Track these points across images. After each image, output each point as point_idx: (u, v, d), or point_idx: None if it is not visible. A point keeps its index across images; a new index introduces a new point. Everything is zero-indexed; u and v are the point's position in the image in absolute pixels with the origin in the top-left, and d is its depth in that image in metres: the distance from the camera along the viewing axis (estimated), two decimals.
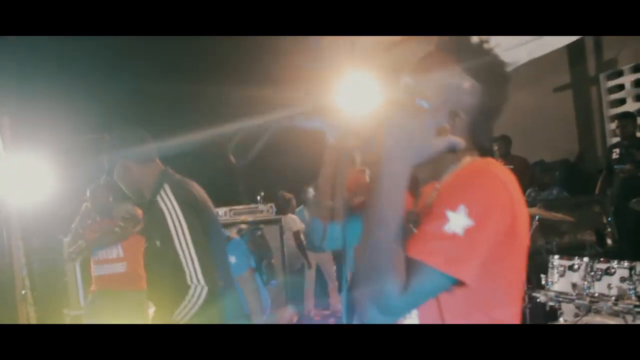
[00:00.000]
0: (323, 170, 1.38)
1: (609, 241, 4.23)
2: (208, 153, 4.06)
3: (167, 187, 2.31)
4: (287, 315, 5.61)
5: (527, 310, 3.97)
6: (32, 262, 4.64)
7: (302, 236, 6.06)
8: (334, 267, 6.54)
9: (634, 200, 4.48)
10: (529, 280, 3.98)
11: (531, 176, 6.17)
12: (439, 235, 1.01)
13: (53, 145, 4.80)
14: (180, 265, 2.23)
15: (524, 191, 5.95)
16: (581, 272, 3.40)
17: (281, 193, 6.53)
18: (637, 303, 3.00)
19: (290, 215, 6.29)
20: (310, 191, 1.41)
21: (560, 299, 3.45)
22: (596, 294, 3.24)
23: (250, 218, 5.69)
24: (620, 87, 6.17)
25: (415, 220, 1.18)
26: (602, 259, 3.33)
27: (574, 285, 3.43)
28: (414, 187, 1.26)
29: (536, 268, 4.15)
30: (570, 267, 3.47)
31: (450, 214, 1.02)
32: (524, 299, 3.95)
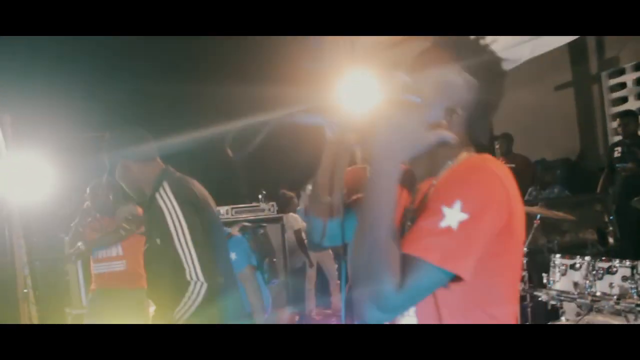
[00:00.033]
0: (321, 166, 1.38)
1: (611, 240, 4.23)
2: (209, 152, 4.06)
3: (166, 185, 2.32)
4: (285, 317, 5.61)
5: (529, 309, 3.97)
6: (34, 260, 4.64)
7: (303, 235, 6.06)
8: (335, 266, 6.55)
9: (635, 198, 4.47)
10: (531, 279, 3.98)
11: (532, 174, 6.17)
12: (435, 231, 1.01)
13: (55, 143, 4.81)
14: (180, 263, 2.24)
15: (525, 190, 5.95)
16: (583, 271, 3.40)
17: (282, 192, 6.53)
18: (638, 302, 3.00)
19: (291, 214, 6.29)
20: (309, 187, 1.41)
21: (562, 298, 3.44)
22: (598, 293, 3.23)
23: (251, 216, 5.69)
24: (622, 85, 6.16)
25: (412, 217, 1.18)
26: (603, 258, 3.33)
27: (575, 284, 3.42)
28: (411, 183, 1.26)
29: (538, 267, 4.15)
30: (572, 266, 3.47)
31: (446, 210, 1.02)
32: (526, 298, 3.94)
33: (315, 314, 6.55)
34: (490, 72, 1.16)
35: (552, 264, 3.63)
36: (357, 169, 2.47)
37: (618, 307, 3.08)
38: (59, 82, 5.55)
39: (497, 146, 6.54)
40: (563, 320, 3.34)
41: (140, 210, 3.68)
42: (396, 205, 1.06)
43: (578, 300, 3.33)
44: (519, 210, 1.09)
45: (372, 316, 1.02)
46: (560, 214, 3.89)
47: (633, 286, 3.08)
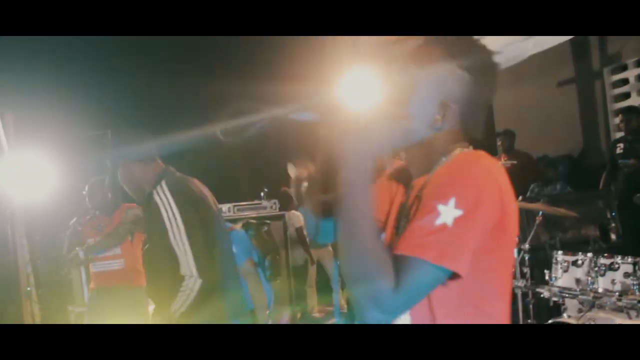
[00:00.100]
0: (316, 164, 1.38)
1: (613, 236, 4.22)
2: (211, 150, 4.06)
3: (164, 183, 2.36)
4: (287, 315, 5.61)
5: (531, 306, 3.97)
6: (37, 259, 4.65)
7: (304, 232, 6.06)
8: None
9: (637, 195, 4.47)
10: (533, 275, 3.98)
11: (534, 171, 6.16)
12: (431, 229, 1.01)
13: (57, 142, 4.81)
14: (176, 259, 2.26)
15: (528, 186, 5.95)
16: (585, 267, 3.39)
17: (284, 189, 6.53)
18: None
19: (293, 212, 6.29)
20: (304, 184, 1.41)
21: (564, 295, 3.44)
22: (600, 290, 3.23)
23: (253, 214, 5.70)
24: (625, 81, 6.14)
25: (406, 214, 1.18)
26: (606, 254, 3.32)
27: (577, 281, 3.42)
28: (407, 180, 1.26)
29: (540, 263, 4.14)
30: (574, 263, 3.47)
31: (441, 207, 1.01)
32: (528, 294, 3.94)
33: (316, 311, 6.56)
34: (482, 66, 1.16)
35: (554, 261, 3.63)
36: None
37: (620, 303, 3.07)
38: (60, 80, 5.55)
39: (499, 143, 6.54)
40: (565, 317, 3.34)
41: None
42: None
43: (580, 296, 3.33)
44: (512, 206, 1.08)
45: (373, 317, 1.02)
46: (562, 211, 3.89)
47: (635, 282, 3.08)
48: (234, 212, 5.77)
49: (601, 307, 3.19)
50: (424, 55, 1.15)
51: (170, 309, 2.26)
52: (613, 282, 3.20)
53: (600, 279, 3.26)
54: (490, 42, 1.23)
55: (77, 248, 3.88)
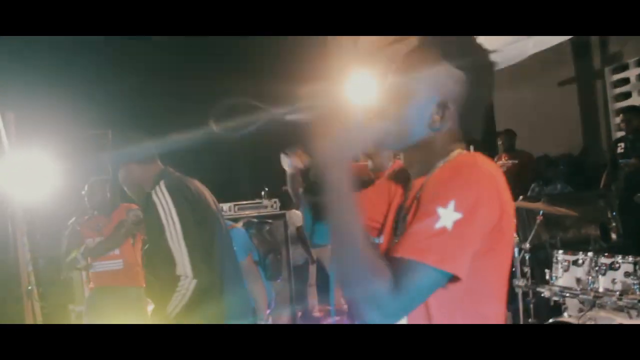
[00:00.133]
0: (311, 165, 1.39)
1: (614, 236, 4.21)
2: (212, 150, 4.06)
3: (162, 183, 2.37)
4: (287, 314, 5.62)
5: (531, 305, 3.97)
6: (37, 258, 4.66)
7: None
8: None
9: (638, 194, 4.47)
10: (533, 275, 3.98)
11: (535, 170, 6.16)
12: (431, 232, 1.01)
13: (58, 141, 4.81)
14: (173, 260, 2.28)
15: (528, 186, 5.95)
16: (585, 266, 3.39)
17: (285, 188, 6.52)
18: None
19: (294, 211, 6.29)
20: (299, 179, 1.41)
21: (565, 294, 3.44)
22: (600, 289, 3.23)
23: (254, 213, 5.70)
24: (626, 80, 6.14)
25: (404, 215, 1.18)
26: (606, 254, 3.32)
27: (578, 280, 3.42)
28: (405, 181, 1.26)
29: (540, 263, 4.14)
30: (575, 262, 3.47)
31: (441, 211, 1.01)
32: (528, 294, 3.94)
33: (317, 310, 6.56)
34: (478, 65, 1.16)
35: (554, 260, 3.63)
36: (355, 164, 2.47)
37: (621, 303, 3.08)
38: (61, 80, 5.55)
39: (499, 142, 6.54)
40: (566, 317, 3.34)
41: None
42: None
43: (581, 296, 3.33)
44: (510, 208, 1.09)
45: (373, 320, 1.02)
46: (562, 210, 3.89)
47: (636, 282, 3.08)
48: (234, 211, 5.77)
49: (602, 306, 3.19)
50: (420, 57, 1.15)
51: (166, 309, 2.27)
52: (614, 281, 3.20)
53: (600, 278, 3.26)
54: (491, 41, 1.23)
55: (75, 252, 3.87)
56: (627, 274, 3.15)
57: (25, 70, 5.34)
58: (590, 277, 3.30)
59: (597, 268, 3.29)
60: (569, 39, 6.04)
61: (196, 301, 2.26)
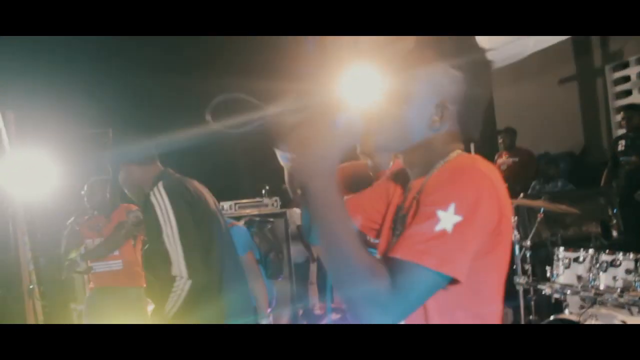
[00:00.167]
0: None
1: (615, 233, 4.21)
2: (211, 148, 4.06)
3: (160, 184, 2.39)
4: (287, 313, 5.62)
5: (532, 303, 3.97)
6: (38, 257, 4.66)
7: None
8: None
9: (639, 192, 4.47)
10: (534, 272, 3.98)
11: (536, 168, 6.16)
12: (431, 235, 1.00)
13: (58, 140, 4.82)
14: (169, 260, 2.29)
15: (529, 183, 5.95)
16: (586, 264, 3.40)
17: (285, 186, 6.51)
18: None
19: (294, 209, 6.29)
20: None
21: (566, 291, 3.45)
22: (601, 286, 3.23)
23: (255, 212, 5.70)
24: (626, 78, 6.13)
25: (403, 215, 1.18)
26: (607, 251, 3.33)
27: (579, 278, 3.43)
28: (404, 181, 1.26)
29: (541, 260, 4.15)
30: (576, 259, 3.47)
31: (441, 213, 1.01)
32: (529, 291, 3.95)
33: (318, 308, 6.57)
34: (475, 65, 1.16)
35: (555, 257, 3.63)
36: (354, 164, 2.47)
37: (622, 300, 3.08)
38: (61, 79, 5.56)
39: (500, 140, 6.54)
40: (566, 314, 3.34)
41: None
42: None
43: (582, 293, 3.33)
44: (508, 211, 1.09)
45: (375, 321, 1.02)
46: (563, 207, 3.89)
47: (637, 279, 3.08)
48: (235, 210, 5.78)
49: (603, 303, 3.19)
50: (418, 57, 1.15)
51: (164, 309, 2.29)
52: (614, 278, 3.20)
53: (601, 275, 3.26)
54: (490, 39, 1.23)
55: (74, 252, 3.87)
56: (628, 271, 3.15)
57: (25, 69, 5.34)
58: (591, 275, 3.31)
59: (598, 265, 3.29)
60: (570, 37, 6.04)
61: (193, 301, 2.27)
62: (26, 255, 4.21)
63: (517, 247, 3.94)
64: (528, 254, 3.92)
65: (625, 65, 6.12)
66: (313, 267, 6.47)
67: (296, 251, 6.23)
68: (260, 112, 1.09)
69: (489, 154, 6.53)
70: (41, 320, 4.15)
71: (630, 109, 5.46)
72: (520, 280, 3.86)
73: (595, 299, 3.21)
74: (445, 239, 1.00)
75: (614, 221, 4.27)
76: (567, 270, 3.51)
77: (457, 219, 1.00)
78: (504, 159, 6.45)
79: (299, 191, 1.38)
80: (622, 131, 5.72)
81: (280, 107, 1.08)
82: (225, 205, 5.68)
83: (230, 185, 6.39)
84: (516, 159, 6.34)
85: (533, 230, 3.95)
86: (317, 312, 6.47)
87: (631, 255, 3.18)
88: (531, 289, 3.90)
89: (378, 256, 1.25)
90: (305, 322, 5.70)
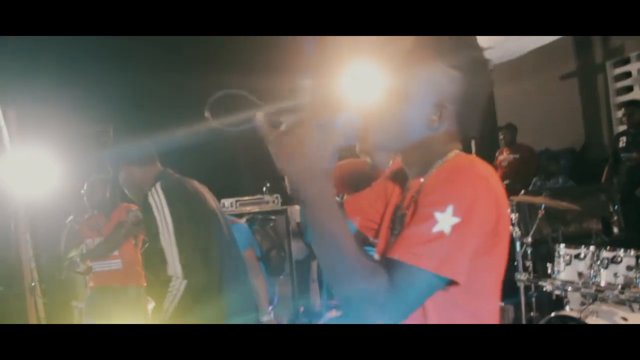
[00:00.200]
0: None
1: (616, 230, 4.22)
2: (212, 146, 4.06)
3: (158, 184, 2.40)
4: (287, 315, 5.62)
5: (533, 299, 3.97)
6: (40, 254, 4.66)
7: None
8: None
9: None
10: (535, 269, 3.98)
11: (537, 165, 6.16)
12: (429, 237, 1.01)
13: (60, 138, 4.82)
14: (166, 260, 2.31)
15: (530, 180, 5.95)
16: (587, 260, 3.40)
17: (284, 184, 6.50)
18: None
19: (296, 206, 6.29)
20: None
21: (567, 288, 3.45)
22: (602, 283, 3.23)
23: (256, 209, 5.70)
24: (627, 74, 6.13)
25: (401, 215, 1.18)
26: (608, 248, 3.33)
27: (580, 274, 3.43)
28: (403, 181, 1.26)
29: (542, 257, 4.15)
30: (577, 256, 3.47)
31: (438, 215, 1.01)
32: (530, 287, 3.95)
33: (319, 305, 6.57)
34: (474, 64, 1.15)
35: (556, 254, 3.63)
36: (354, 161, 2.47)
37: (622, 296, 3.08)
38: (62, 77, 5.55)
39: (501, 137, 6.53)
40: (567, 310, 3.34)
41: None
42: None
43: (583, 290, 3.33)
44: (506, 210, 1.09)
45: (374, 320, 1.02)
46: (564, 204, 3.89)
47: (638, 276, 3.08)
48: (236, 207, 5.78)
49: (604, 300, 3.20)
50: (416, 57, 1.15)
51: (163, 310, 2.31)
52: (615, 275, 3.20)
53: (602, 272, 3.27)
54: (491, 37, 1.22)
55: (74, 251, 3.87)
56: (629, 268, 3.16)
57: (26, 67, 5.34)
58: (592, 271, 3.31)
59: (599, 262, 3.29)
60: None
61: (190, 301, 2.29)
62: (28, 252, 4.21)
63: (518, 244, 3.94)
64: (529, 251, 3.92)
65: (626, 61, 6.11)
66: (314, 265, 6.48)
67: (297, 248, 6.23)
68: (257, 108, 1.09)
69: (490, 150, 6.53)
70: (43, 318, 4.16)
71: (631, 105, 5.46)
72: (521, 277, 3.86)
73: (596, 295, 3.21)
74: (443, 241, 1.00)
75: (615, 218, 4.28)
76: (568, 266, 3.51)
77: (455, 220, 1.00)
78: (504, 155, 6.44)
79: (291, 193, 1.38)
80: (623, 127, 5.72)
81: (270, 112, 1.07)
82: (226, 202, 5.68)
83: (231, 182, 6.39)
84: (517, 156, 6.34)
85: (534, 227, 3.95)
86: (318, 308, 6.48)
87: (632, 252, 3.18)
88: (532, 286, 3.90)
89: (376, 256, 1.25)
90: (306, 319, 5.69)
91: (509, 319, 4.50)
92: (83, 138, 5.51)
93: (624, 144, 5.33)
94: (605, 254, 3.28)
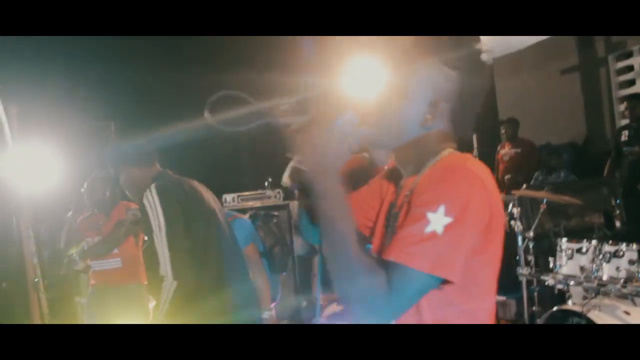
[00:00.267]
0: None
1: (618, 224, 4.22)
2: (213, 141, 4.06)
3: (153, 185, 2.42)
4: (287, 313, 5.64)
5: (535, 294, 3.98)
6: (43, 250, 4.68)
7: None
8: None
9: None
10: (537, 263, 3.98)
11: (538, 159, 6.15)
12: (421, 237, 1.01)
13: (61, 134, 4.82)
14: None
15: (532, 174, 5.94)
16: (589, 254, 3.40)
17: (284, 181, 6.49)
18: None
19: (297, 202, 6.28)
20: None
21: (569, 282, 3.45)
22: (604, 277, 3.23)
23: (258, 204, 5.70)
24: (630, 68, 6.11)
25: (395, 214, 1.18)
26: (610, 242, 3.32)
27: (582, 268, 3.43)
28: (397, 179, 1.26)
29: (544, 251, 4.15)
30: (579, 250, 3.47)
31: (430, 215, 1.02)
32: (533, 282, 3.95)
33: (321, 300, 6.58)
34: (470, 63, 1.16)
35: (558, 248, 3.63)
36: (353, 157, 2.46)
37: (625, 290, 3.08)
38: (63, 74, 5.56)
39: (502, 131, 6.52)
40: (569, 304, 3.34)
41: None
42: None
43: (585, 284, 3.33)
44: (499, 210, 1.09)
45: (370, 319, 1.04)
46: (566, 198, 3.88)
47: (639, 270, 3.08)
48: (238, 202, 5.78)
49: (606, 294, 3.20)
50: (412, 55, 1.15)
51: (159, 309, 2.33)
52: (618, 269, 3.20)
53: (604, 266, 3.26)
54: (489, 36, 1.22)
55: (74, 249, 3.87)
56: (631, 262, 3.16)
57: (28, 64, 5.34)
58: (594, 265, 3.31)
59: (601, 256, 3.29)
60: None
61: (183, 300, 2.29)
62: (30, 248, 4.22)
63: (520, 238, 3.94)
64: (531, 245, 3.92)
65: (629, 54, 6.09)
66: (316, 260, 6.48)
67: (299, 243, 6.24)
68: (263, 113, 1.10)
69: (492, 144, 6.52)
70: (46, 314, 4.18)
71: (634, 98, 5.44)
72: (523, 271, 3.86)
73: (599, 289, 3.21)
74: (435, 241, 1.01)
75: (617, 212, 4.27)
76: (570, 261, 3.51)
77: (448, 220, 1.01)
78: (506, 149, 6.43)
79: (295, 191, 1.39)
80: (625, 121, 5.71)
81: (284, 110, 1.08)
82: (228, 197, 5.68)
83: (233, 177, 6.40)
84: (518, 150, 6.33)
85: (536, 221, 3.94)
86: (320, 303, 6.49)
87: (634, 246, 3.18)
88: (534, 280, 3.91)
89: (372, 254, 1.26)
90: (308, 314, 5.71)
91: (511, 314, 4.51)
92: (85, 133, 5.51)
93: (626, 138, 5.32)
94: (608, 248, 3.28)
